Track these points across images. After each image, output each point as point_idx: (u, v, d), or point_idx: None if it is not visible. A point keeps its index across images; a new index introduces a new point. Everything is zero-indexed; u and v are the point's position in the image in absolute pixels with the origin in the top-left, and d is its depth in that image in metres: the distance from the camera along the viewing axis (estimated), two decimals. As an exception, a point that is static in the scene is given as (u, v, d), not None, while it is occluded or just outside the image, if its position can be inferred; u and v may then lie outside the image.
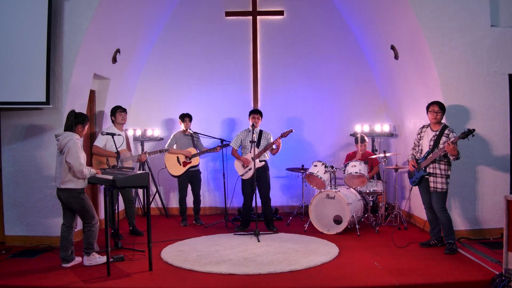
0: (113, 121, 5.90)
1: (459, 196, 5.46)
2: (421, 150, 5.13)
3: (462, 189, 5.45)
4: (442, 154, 4.84)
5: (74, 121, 4.56)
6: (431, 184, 4.96)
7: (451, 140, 4.70)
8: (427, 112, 5.07)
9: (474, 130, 4.61)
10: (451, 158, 4.79)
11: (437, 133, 4.97)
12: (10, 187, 5.41)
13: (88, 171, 4.50)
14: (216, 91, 7.64)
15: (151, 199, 7.25)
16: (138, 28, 6.72)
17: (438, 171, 4.92)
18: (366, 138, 6.83)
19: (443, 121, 5.10)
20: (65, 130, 4.60)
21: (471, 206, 5.46)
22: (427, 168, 4.97)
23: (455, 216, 5.35)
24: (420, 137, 5.17)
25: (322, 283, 4.00)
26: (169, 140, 6.62)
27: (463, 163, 5.29)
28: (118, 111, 5.86)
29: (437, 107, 4.96)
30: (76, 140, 4.46)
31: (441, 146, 4.88)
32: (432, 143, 4.97)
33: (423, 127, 5.21)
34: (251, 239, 5.57)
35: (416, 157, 5.16)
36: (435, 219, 5.11)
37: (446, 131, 4.93)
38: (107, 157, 5.57)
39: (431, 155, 4.93)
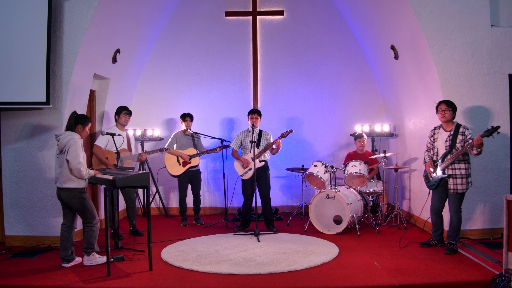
0: (116, 120, 5.88)
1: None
2: (437, 152, 5.02)
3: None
4: (463, 152, 4.74)
5: (74, 122, 4.58)
6: (451, 186, 4.86)
7: (476, 137, 4.58)
8: (436, 113, 5.03)
9: (499, 127, 4.52)
10: (474, 152, 4.68)
11: (452, 132, 4.89)
12: (10, 187, 5.41)
13: (87, 171, 4.49)
14: (216, 91, 7.64)
15: (151, 199, 7.25)
16: (138, 28, 6.72)
17: (458, 172, 4.83)
18: (364, 134, 6.85)
19: (456, 120, 5.05)
20: (66, 130, 4.62)
21: (471, 206, 5.46)
22: (446, 170, 4.89)
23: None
24: (434, 139, 5.07)
25: (322, 283, 4.00)
26: (170, 140, 6.61)
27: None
28: (123, 112, 5.83)
29: (444, 105, 4.91)
30: (76, 139, 4.47)
31: (458, 145, 4.83)
32: (448, 143, 4.89)
33: (435, 128, 5.10)
34: (251, 239, 5.57)
35: (433, 159, 5.05)
36: (440, 222, 5.09)
37: (461, 129, 4.86)
38: (107, 158, 5.57)
39: (449, 156, 4.86)
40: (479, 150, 4.64)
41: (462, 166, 4.84)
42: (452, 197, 4.90)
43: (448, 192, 4.93)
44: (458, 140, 4.83)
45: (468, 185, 4.86)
